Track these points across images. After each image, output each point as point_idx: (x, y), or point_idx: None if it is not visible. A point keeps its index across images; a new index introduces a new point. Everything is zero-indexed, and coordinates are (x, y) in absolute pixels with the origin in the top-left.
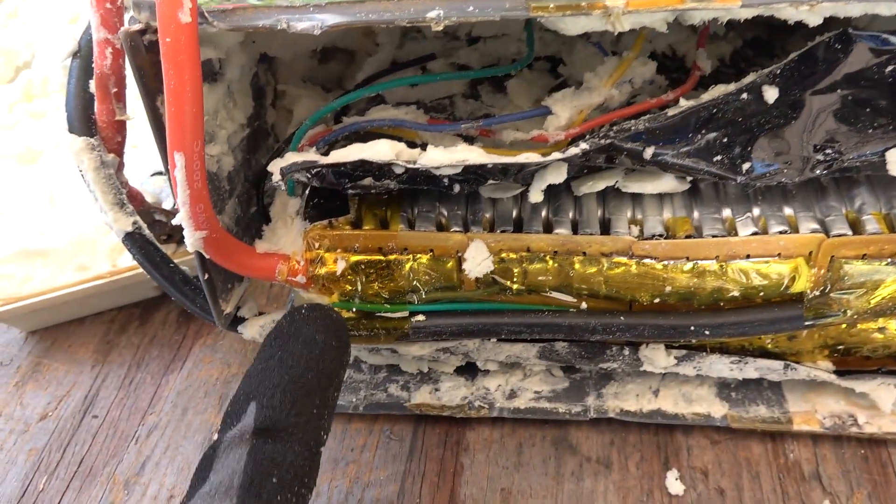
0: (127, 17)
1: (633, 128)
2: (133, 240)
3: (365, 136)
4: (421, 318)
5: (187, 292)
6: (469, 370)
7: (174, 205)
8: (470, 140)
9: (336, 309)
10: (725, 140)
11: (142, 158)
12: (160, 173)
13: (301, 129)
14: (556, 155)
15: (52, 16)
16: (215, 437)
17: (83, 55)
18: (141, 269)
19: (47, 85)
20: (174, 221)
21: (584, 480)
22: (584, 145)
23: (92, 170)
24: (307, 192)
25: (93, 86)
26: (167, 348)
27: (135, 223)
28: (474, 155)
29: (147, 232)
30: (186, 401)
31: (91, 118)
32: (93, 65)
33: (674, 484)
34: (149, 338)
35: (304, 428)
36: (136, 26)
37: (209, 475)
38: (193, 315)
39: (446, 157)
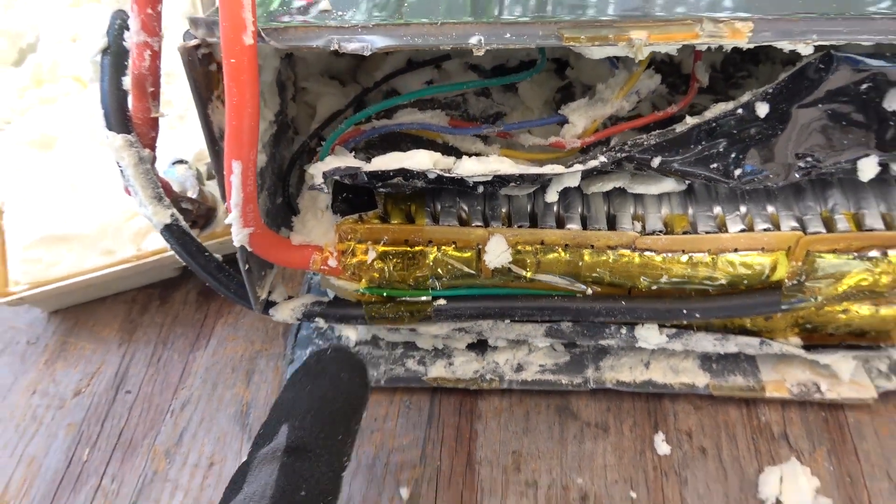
0: (183, 32)
1: (645, 142)
2: (171, 231)
3: (391, 137)
4: (442, 301)
5: (222, 279)
6: (479, 346)
7: (197, 193)
8: (484, 139)
9: (366, 294)
10: (722, 150)
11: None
12: (181, 161)
13: (335, 134)
14: (578, 167)
15: None
16: (245, 457)
17: (113, 52)
18: (165, 254)
19: (56, 70)
20: (226, 221)
21: (585, 443)
22: (602, 158)
23: (132, 166)
24: (332, 187)
25: (126, 83)
26: (190, 327)
27: (172, 215)
28: (505, 166)
29: (184, 223)
30: (215, 376)
31: (126, 115)
32: (126, 62)
33: (662, 445)
34: (171, 317)
35: (330, 450)
36: (193, 42)
37: (243, 486)
38: (212, 295)
39: (480, 167)
